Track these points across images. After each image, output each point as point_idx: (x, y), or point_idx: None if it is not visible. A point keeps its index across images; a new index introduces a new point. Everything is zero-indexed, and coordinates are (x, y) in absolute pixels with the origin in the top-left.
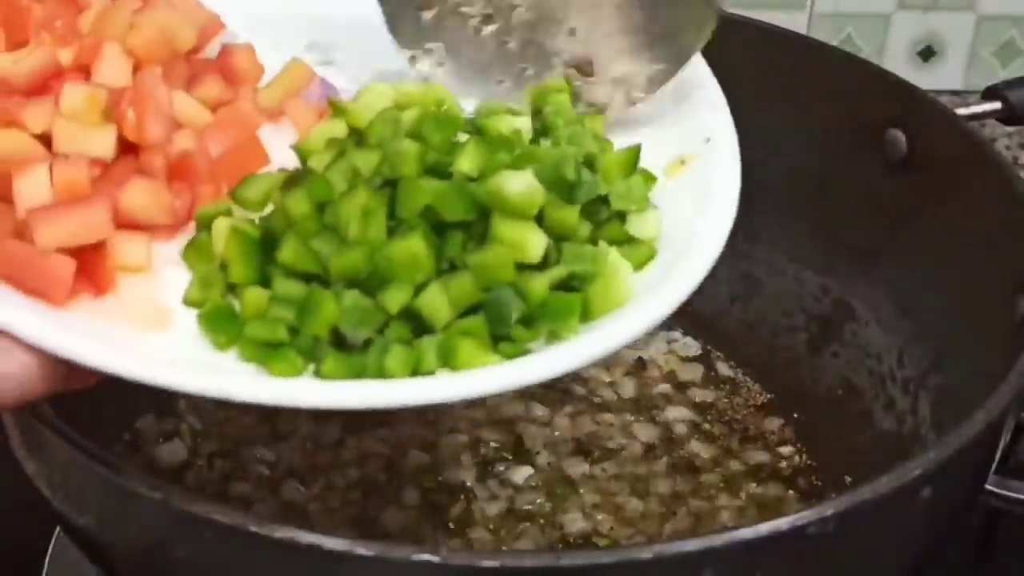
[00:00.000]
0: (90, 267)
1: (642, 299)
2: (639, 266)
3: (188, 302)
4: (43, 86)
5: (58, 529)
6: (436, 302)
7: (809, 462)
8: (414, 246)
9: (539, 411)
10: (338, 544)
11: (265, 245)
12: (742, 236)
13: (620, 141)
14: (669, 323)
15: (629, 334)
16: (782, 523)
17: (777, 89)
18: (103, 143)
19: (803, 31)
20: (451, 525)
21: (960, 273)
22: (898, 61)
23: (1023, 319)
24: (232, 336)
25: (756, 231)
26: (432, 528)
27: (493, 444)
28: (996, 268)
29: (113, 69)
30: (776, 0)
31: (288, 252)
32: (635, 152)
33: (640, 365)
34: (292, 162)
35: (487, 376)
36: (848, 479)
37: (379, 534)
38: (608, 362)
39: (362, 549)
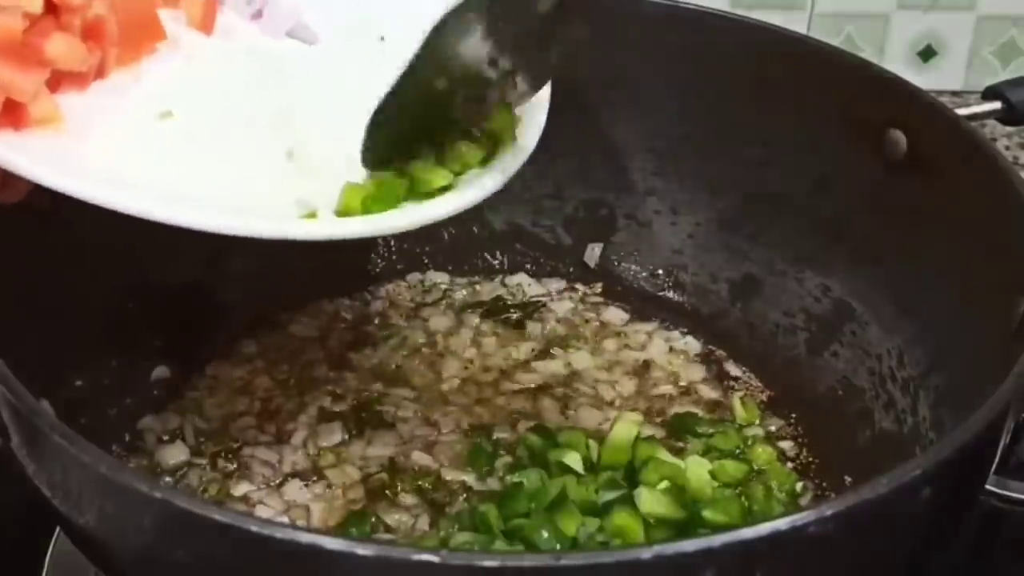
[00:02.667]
0: (10, 108)
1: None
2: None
3: None
4: None
5: (58, 529)
6: None
7: (809, 462)
8: None
9: (553, 405)
10: (338, 544)
11: None
12: (742, 236)
13: None
14: (670, 323)
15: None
16: (782, 523)
17: (777, 89)
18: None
19: (803, 31)
20: (452, 525)
21: (960, 273)
22: (898, 61)
23: (1023, 319)
24: None
25: (756, 231)
26: (432, 528)
27: (495, 441)
28: (996, 268)
29: None
30: (776, 0)
31: None
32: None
33: (644, 366)
34: (181, 38)
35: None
36: (848, 479)
37: (380, 534)
38: (611, 363)
39: (362, 549)
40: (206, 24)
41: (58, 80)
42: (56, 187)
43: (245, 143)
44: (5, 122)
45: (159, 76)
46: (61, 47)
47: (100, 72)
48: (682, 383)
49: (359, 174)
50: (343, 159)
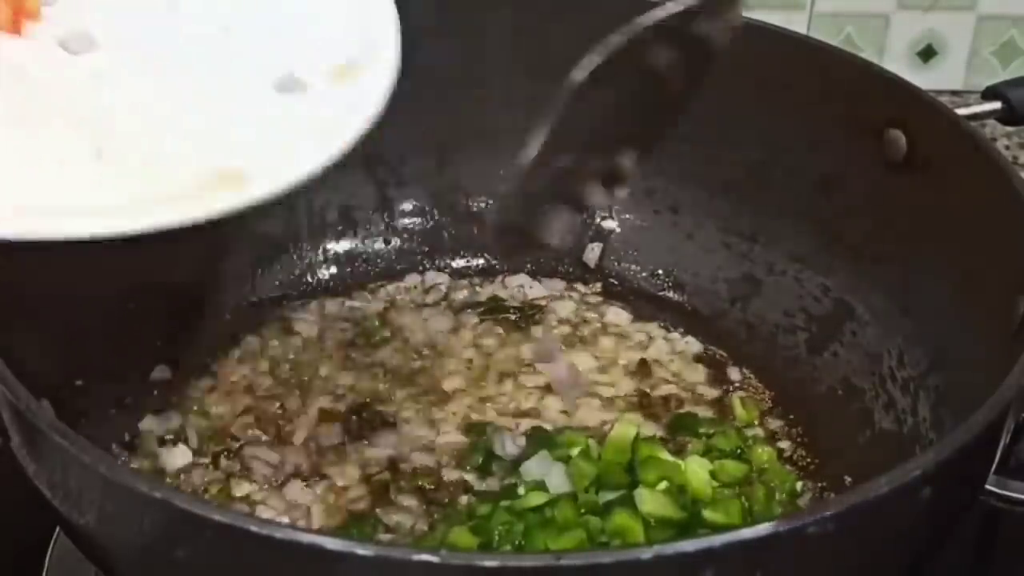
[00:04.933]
0: None
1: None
2: None
3: None
4: None
5: (58, 529)
6: None
7: (809, 462)
8: None
9: (554, 405)
10: (338, 544)
11: None
12: (742, 236)
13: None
14: (670, 323)
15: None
16: (782, 523)
17: (777, 89)
18: None
19: (803, 31)
20: (452, 524)
21: (960, 273)
22: (898, 61)
23: (1023, 319)
24: None
25: (756, 231)
26: (432, 528)
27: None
28: (996, 268)
29: None
30: (776, 0)
31: None
32: None
33: (644, 366)
34: None
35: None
36: (848, 479)
37: (380, 534)
38: (611, 363)
39: (362, 549)
40: (16, 26)
41: None
42: None
43: (49, 142)
44: None
45: None
46: None
47: (13, 26)
48: (682, 383)
49: (174, 174)
50: (158, 157)
